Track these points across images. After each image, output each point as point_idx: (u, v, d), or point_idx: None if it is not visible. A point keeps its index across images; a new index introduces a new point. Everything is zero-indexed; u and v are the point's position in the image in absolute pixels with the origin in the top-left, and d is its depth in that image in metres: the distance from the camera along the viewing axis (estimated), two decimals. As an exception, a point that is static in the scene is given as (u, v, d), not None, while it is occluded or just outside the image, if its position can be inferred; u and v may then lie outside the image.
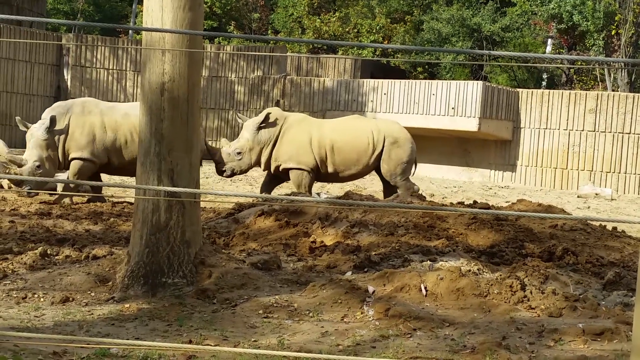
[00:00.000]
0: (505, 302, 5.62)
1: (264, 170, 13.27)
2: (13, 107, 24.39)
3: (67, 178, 12.74)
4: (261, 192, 13.25)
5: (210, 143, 14.00)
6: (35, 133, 12.13)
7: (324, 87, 23.90)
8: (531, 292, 5.74)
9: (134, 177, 13.40)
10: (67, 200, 12.30)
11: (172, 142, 5.81)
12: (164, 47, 5.68)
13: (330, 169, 12.98)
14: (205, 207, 11.26)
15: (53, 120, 12.06)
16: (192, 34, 5.83)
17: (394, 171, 13.52)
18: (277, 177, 13.22)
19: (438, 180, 20.78)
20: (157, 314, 5.42)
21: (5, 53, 25.44)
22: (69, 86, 25.89)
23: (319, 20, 32.94)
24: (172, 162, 5.82)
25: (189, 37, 5.74)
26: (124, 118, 12.61)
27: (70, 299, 5.70)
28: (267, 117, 12.69)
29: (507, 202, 14.11)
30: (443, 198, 17.00)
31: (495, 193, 18.28)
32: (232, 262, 6.08)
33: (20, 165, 12.03)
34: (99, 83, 26.70)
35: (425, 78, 27.85)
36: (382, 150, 13.34)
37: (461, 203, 9.51)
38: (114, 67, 26.79)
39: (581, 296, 5.86)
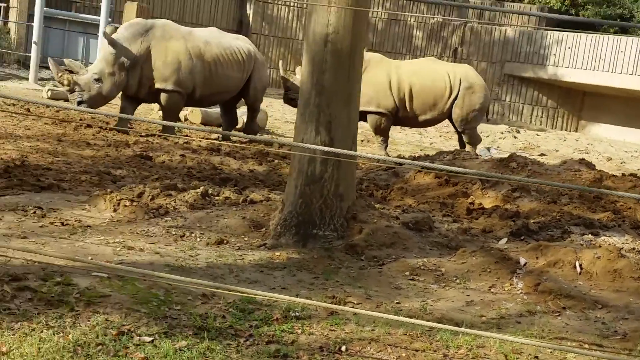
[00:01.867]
0: (667, 288, 5.32)
1: None
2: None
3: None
4: None
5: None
6: (106, 45, 11.52)
7: (505, 37, 23.20)
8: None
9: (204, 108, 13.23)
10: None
11: (332, 95, 5.79)
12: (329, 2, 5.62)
13: (407, 113, 12.63)
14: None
15: (136, 34, 11.53)
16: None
17: (465, 117, 13.05)
18: None
19: (618, 143, 19.85)
20: (305, 265, 5.48)
21: (193, -15, 26.12)
22: (250, 21, 26.37)
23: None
24: (331, 114, 5.80)
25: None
26: (205, 46, 12.13)
27: (225, 241, 5.85)
28: None
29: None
30: (621, 163, 16.25)
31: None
32: (384, 219, 6.04)
33: (76, 73, 11.49)
34: (280, 19, 27.03)
35: (615, 33, 26.46)
36: (457, 95, 12.86)
37: (633, 175, 9.02)
38: (295, 4, 27.02)
39: None
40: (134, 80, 11.57)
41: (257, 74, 12.78)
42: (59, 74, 11.32)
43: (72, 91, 11.33)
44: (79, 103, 11.35)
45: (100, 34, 11.94)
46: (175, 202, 6.70)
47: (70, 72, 11.55)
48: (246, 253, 5.67)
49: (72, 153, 9.22)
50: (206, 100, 12.51)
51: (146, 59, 11.57)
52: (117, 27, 12.42)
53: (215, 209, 6.55)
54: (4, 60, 19.01)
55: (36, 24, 17.21)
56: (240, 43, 12.78)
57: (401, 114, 12.73)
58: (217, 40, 12.38)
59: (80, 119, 11.92)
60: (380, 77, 12.57)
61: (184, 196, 6.83)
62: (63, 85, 11.37)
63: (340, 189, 5.88)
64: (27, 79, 17.37)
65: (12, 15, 20.18)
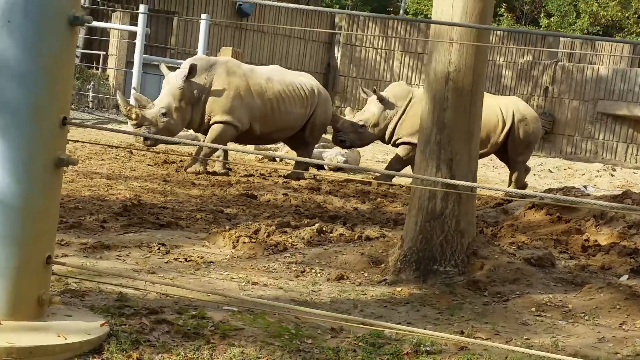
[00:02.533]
0: None
1: (387, 143, 12.94)
2: (286, 82, 25.38)
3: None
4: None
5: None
6: (172, 79, 11.39)
7: (598, 75, 22.89)
8: None
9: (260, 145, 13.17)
10: (198, 166, 11.53)
11: (452, 132, 5.83)
12: (452, 38, 5.69)
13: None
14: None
15: (193, 69, 11.30)
16: (467, 27, 5.78)
17: (519, 150, 12.80)
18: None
19: None
20: (427, 300, 5.49)
21: (282, 30, 26.61)
22: (338, 63, 26.68)
23: (596, 3, 31.55)
24: (452, 151, 5.84)
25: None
26: (267, 83, 12.00)
27: (345, 277, 5.90)
28: (388, 91, 12.52)
29: None
30: None
31: None
32: (505, 255, 6.02)
33: (143, 107, 11.25)
34: (367, 62, 27.28)
35: None
36: (510, 128, 12.61)
37: None
38: (383, 47, 27.24)
39: None
40: (197, 115, 11.54)
41: (320, 109, 12.61)
42: (127, 108, 11.19)
43: (139, 125, 11.19)
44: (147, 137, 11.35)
45: (162, 68, 11.86)
46: (291, 238, 6.80)
47: (138, 106, 11.51)
48: (367, 288, 5.71)
49: (181, 192, 9.45)
50: (268, 137, 12.40)
51: (208, 94, 11.56)
52: (150, 50, 12.80)
53: (332, 245, 6.62)
54: (103, 106, 19.63)
55: (135, 70, 17.77)
56: (303, 79, 12.71)
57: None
58: (279, 77, 12.34)
59: (181, 160, 12.22)
60: None
61: (299, 233, 6.93)
62: (131, 119, 11.22)
63: (461, 225, 5.89)
64: (125, 122, 17.90)
65: (111, 62, 20.87)
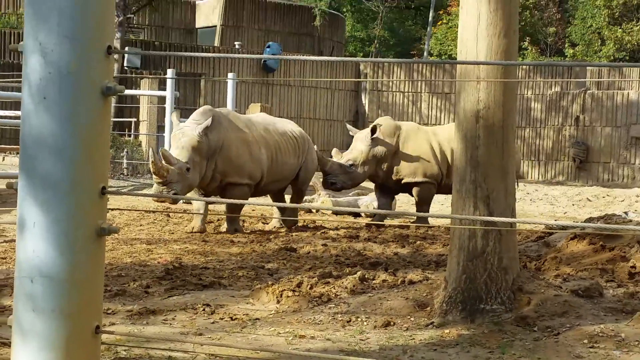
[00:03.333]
0: None
1: (380, 184, 12.46)
2: (315, 133, 25.65)
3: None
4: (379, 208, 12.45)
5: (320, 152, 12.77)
6: (189, 132, 10.58)
7: (628, 100, 22.79)
8: None
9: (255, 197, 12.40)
10: (198, 225, 11.11)
11: (487, 169, 5.83)
12: (478, 76, 5.72)
13: (448, 181, 11.76)
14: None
15: (215, 120, 10.69)
16: (493, 64, 5.81)
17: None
18: (391, 190, 12.50)
19: None
20: (477, 340, 5.44)
21: (308, 82, 26.84)
22: (366, 110, 26.83)
23: (620, 30, 31.51)
24: (488, 189, 5.83)
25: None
26: (267, 133, 11.57)
27: (391, 323, 5.87)
28: (375, 128, 11.94)
29: None
30: None
31: None
32: (551, 288, 5.96)
33: (171, 163, 10.32)
34: (395, 106, 27.39)
35: None
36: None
37: None
38: (410, 90, 27.36)
39: None
40: (209, 171, 10.95)
41: (310, 157, 12.32)
42: (160, 165, 10.35)
43: (165, 183, 10.37)
44: (175, 194, 10.56)
45: (173, 118, 11.35)
46: (334, 289, 6.80)
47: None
48: (415, 333, 5.67)
49: (221, 252, 9.49)
50: (265, 189, 11.91)
51: (220, 150, 11.00)
52: (180, 112, 12.50)
53: (375, 292, 6.60)
54: (138, 172, 19.85)
55: (167, 134, 17.97)
56: (292, 127, 12.38)
57: (444, 182, 12.23)
58: (273, 127, 11.93)
59: (218, 219, 12.28)
60: (424, 146, 12.20)
61: (342, 282, 6.92)
62: (164, 177, 10.37)
63: (504, 261, 5.86)
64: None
65: (143, 128, 21.17)
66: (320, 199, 14.47)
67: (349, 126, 13.31)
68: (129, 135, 21.92)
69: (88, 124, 3.91)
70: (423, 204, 12.37)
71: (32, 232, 3.86)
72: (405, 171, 12.19)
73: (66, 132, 3.89)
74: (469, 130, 5.84)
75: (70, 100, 3.90)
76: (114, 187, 17.61)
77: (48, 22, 3.60)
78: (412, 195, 12.62)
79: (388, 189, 12.52)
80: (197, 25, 32.03)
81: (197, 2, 32.61)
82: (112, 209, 6.34)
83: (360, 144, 12.04)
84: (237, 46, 27.18)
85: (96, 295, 4.08)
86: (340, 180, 11.98)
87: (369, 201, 14.00)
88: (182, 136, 10.61)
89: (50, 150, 3.92)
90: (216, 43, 30.13)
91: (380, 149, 12.02)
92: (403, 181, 12.27)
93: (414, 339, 5.53)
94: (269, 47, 27.22)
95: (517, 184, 12.11)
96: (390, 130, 12.20)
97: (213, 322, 5.95)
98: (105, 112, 4.10)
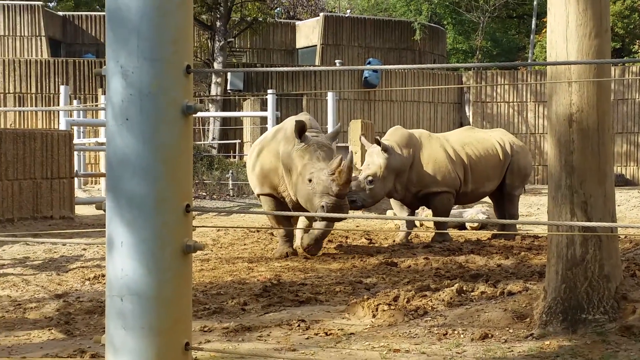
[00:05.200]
0: None
1: (400, 199, 11.82)
2: (420, 147, 25.34)
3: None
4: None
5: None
6: (378, 151, 11.29)
7: None
8: None
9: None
10: (284, 248, 10.69)
11: (583, 174, 5.62)
12: (569, 78, 5.54)
13: (466, 188, 11.65)
14: (621, 237, 10.74)
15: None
16: (591, 63, 5.61)
17: (516, 183, 11.96)
18: (410, 204, 11.89)
19: None
20: (579, 351, 5.24)
21: (410, 96, 26.75)
22: (470, 122, 26.49)
23: None
24: (585, 194, 5.62)
25: (596, 65, 5.53)
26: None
27: (489, 335, 5.72)
28: (377, 141, 11.30)
29: None
30: None
31: None
32: (657, 296, 5.69)
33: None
34: (500, 116, 26.97)
35: None
36: (510, 162, 11.81)
37: None
38: (515, 100, 26.92)
39: None
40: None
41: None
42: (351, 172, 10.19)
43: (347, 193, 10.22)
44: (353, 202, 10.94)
45: (363, 140, 11.97)
46: (431, 301, 6.68)
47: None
48: (514, 345, 5.50)
49: (321, 268, 9.47)
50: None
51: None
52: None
53: (473, 304, 6.45)
54: (243, 192, 20.09)
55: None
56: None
57: (462, 190, 11.74)
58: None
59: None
60: (440, 154, 11.63)
61: (439, 295, 6.79)
62: (349, 184, 10.26)
63: (606, 269, 5.62)
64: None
65: (247, 149, 21.46)
66: (424, 213, 14.29)
67: (363, 139, 12.82)
68: (234, 157, 22.25)
69: (170, 143, 3.96)
70: (442, 215, 11.65)
71: (120, 251, 3.93)
72: (424, 181, 11.62)
73: (149, 152, 3.95)
74: (562, 135, 5.65)
75: (151, 120, 3.96)
76: (221, 207, 17.88)
77: (128, 45, 3.66)
78: (429, 207, 11.98)
79: (407, 204, 11.94)
80: (297, 46, 32.36)
81: (297, 23, 32.97)
82: (198, 227, 6.43)
83: (377, 158, 11.40)
84: (337, 64, 27.31)
85: (185, 312, 4.11)
86: (360, 197, 11.30)
87: (473, 213, 13.76)
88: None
89: (135, 170, 3.98)
90: (317, 62, 30.36)
91: (397, 160, 11.42)
92: (421, 192, 11.65)
93: (512, 351, 5.36)
94: (369, 63, 27.24)
95: None
96: (404, 140, 11.60)
97: (307, 338, 5.92)
98: (187, 131, 4.15)
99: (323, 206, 9.61)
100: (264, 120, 20.84)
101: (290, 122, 10.51)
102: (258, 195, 10.99)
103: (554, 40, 5.72)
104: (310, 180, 9.77)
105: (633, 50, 34.47)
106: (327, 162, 9.91)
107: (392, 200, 12.26)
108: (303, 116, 10.94)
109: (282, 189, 10.45)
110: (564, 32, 5.64)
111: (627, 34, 35.40)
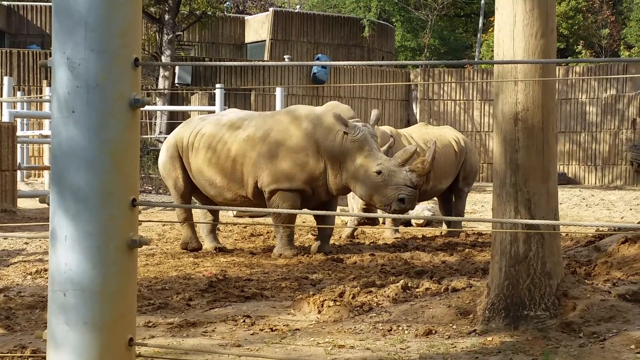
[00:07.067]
0: None
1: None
2: (367, 143, 25.39)
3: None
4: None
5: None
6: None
7: (686, 101, 22.27)
8: None
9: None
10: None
11: (527, 172, 5.69)
12: (516, 77, 5.60)
13: (426, 186, 11.31)
14: (563, 235, 10.91)
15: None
16: (537, 63, 5.69)
17: (469, 180, 12.22)
18: None
19: None
20: (520, 347, 5.31)
21: (358, 93, 26.80)
22: (418, 119, 26.64)
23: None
24: (529, 192, 5.69)
25: (542, 65, 5.60)
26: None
27: (433, 331, 5.76)
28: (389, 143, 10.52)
29: None
30: None
31: None
32: (597, 293, 5.79)
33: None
34: (447, 114, 27.17)
35: None
36: (464, 158, 12.05)
37: None
38: (461, 98, 27.14)
39: None
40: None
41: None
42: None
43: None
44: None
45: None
46: (376, 298, 6.71)
47: None
48: (457, 341, 5.55)
49: (267, 263, 9.45)
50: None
51: None
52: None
53: (418, 300, 6.49)
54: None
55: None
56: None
57: (422, 188, 11.20)
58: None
59: (267, 232, 12.25)
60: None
61: (384, 291, 6.83)
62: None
63: (548, 266, 5.71)
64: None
65: (194, 143, 21.26)
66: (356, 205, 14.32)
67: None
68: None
69: (117, 136, 3.91)
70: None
71: (64, 245, 3.86)
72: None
73: (95, 145, 3.89)
74: (508, 133, 5.72)
75: (98, 113, 3.90)
76: (167, 202, 17.73)
77: (75, 37, 3.60)
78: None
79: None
80: (246, 41, 32.23)
81: (246, 18, 32.83)
82: (143, 221, 6.36)
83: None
84: (286, 59, 27.27)
85: (129, 307, 4.07)
86: None
87: (419, 209, 13.85)
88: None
89: (80, 163, 3.92)
90: (266, 57, 30.28)
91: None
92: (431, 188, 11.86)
93: (455, 347, 5.41)
94: (318, 59, 27.25)
95: None
96: (384, 138, 11.29)
97: (253, 334, 5.91)
98: (134, 124, 4.10)
99: (403, 198, 9.55)
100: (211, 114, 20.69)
101: (324, 111, 10.04)
102: (277, 190, 10.01)
103: (501, 39, 5.78)
104: (379, 173, 9.58)
105: (577, 50, 35.01)
106: (381, 152, 9.81)
107: (349, 197, 12.21)
108: (342, 106, 10.46)
109: (321, 182, 9.93)
110: (511, 32, 5.70)
111: (572, 34, 35.95)
